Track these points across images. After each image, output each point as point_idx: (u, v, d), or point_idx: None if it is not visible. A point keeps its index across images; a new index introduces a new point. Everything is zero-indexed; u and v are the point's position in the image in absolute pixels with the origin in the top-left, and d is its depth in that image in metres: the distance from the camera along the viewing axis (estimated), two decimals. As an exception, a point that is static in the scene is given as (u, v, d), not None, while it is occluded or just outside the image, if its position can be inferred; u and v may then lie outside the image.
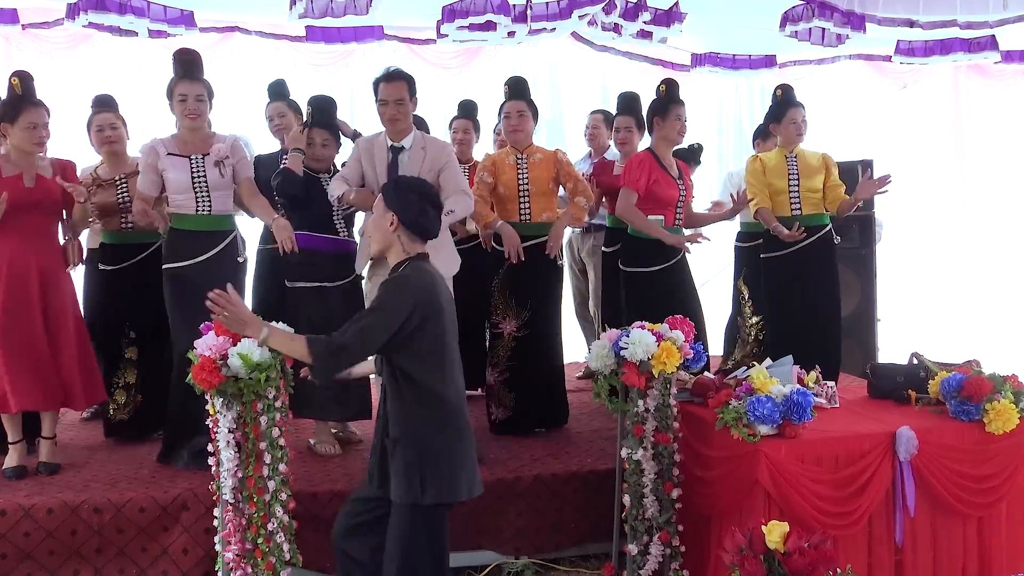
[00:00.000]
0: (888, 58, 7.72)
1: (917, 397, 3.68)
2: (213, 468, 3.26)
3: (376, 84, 4.07)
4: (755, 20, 6.81)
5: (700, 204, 5.75)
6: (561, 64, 7.97)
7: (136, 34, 6.03)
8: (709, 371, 4.02)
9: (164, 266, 4.10)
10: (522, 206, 4.58)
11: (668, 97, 4.63)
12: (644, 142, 5.10)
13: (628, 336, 3.38)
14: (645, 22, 6.15)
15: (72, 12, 5.67)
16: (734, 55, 7.83)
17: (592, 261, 5.79)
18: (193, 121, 4.05)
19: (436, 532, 2.84)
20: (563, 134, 7.65)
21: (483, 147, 5.68)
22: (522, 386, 4.59)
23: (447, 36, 6.24)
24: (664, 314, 3.59)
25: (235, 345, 3.07)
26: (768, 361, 3.71)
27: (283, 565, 3.20)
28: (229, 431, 3.17)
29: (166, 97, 4.09)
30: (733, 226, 5.79)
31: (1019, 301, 8.71)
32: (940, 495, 3.30)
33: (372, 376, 3.43)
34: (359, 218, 4.50)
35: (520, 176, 4.56)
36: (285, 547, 3.22)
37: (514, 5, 5.77)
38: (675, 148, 4.86)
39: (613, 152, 5.58)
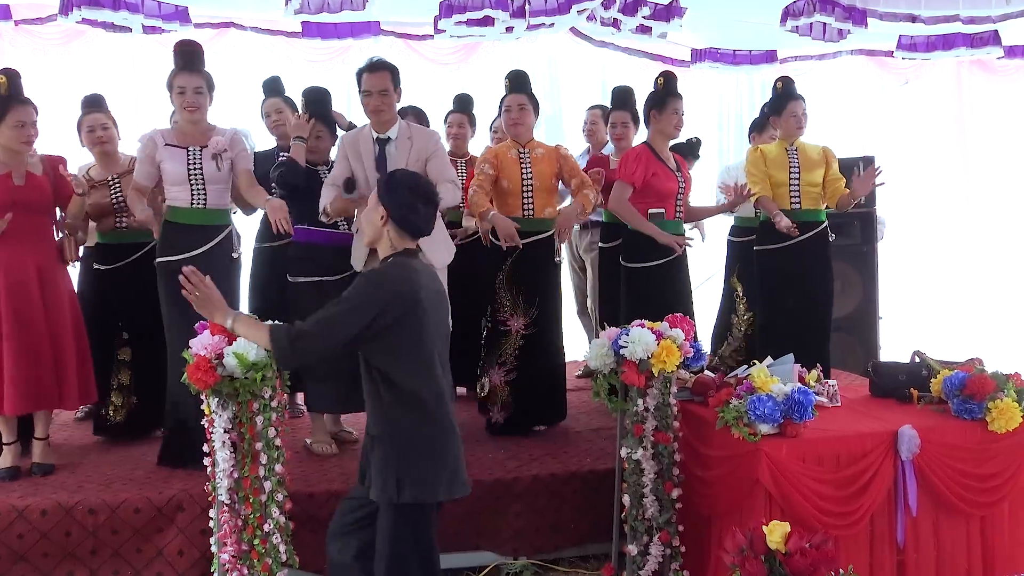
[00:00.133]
0: (890, 53, 7.72)
1: (919, 396, 3.68)
2: (208, 469, 3.26)
3: (359, 75, 4.07)
4: (755, 15, 6.82)
5: (700, 199, 5.75)
6: (560, 60, 7.98)
7: (130, 30, 6.04)
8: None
9: (157, 260, 4.09)
10: (525, 201, 4.57)
11: (666, 90, 4.63)
12: (640, 137, 5.09)
13: (627, 335, 3.37)
14: (644, 17, 6.15)
15: (65, 8, 5.66)
16: (734, 50, 7.83)
17: (589, 257, 5.79)
18: (192, 114, 4.04)
19: (421, 532, 2.80)
20: (562, 130, 7.65)
21: (479, 143, 5.67)
22: (526, 385, 4.58)
23: (444, 32, 6.24)
24: (662, 309, 3.59)
25: (231, 344, 3.06)
26: (769, 360, 3.71)
27: (279, 566, 3.20)
28: (225, 431, 3.17)
29: (166, 89, 4.09)
30: (728, 222, 5.78)
31: (1022, 298, 8.71)
32: (942, 494, 3.30)
33: None
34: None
35: (523, 171, 4.55)
36: (281, 548, 3.22)
37: (512, 0, 5.77)
38: (673, 143, 4.86)
39: (611, 148, 5.58)
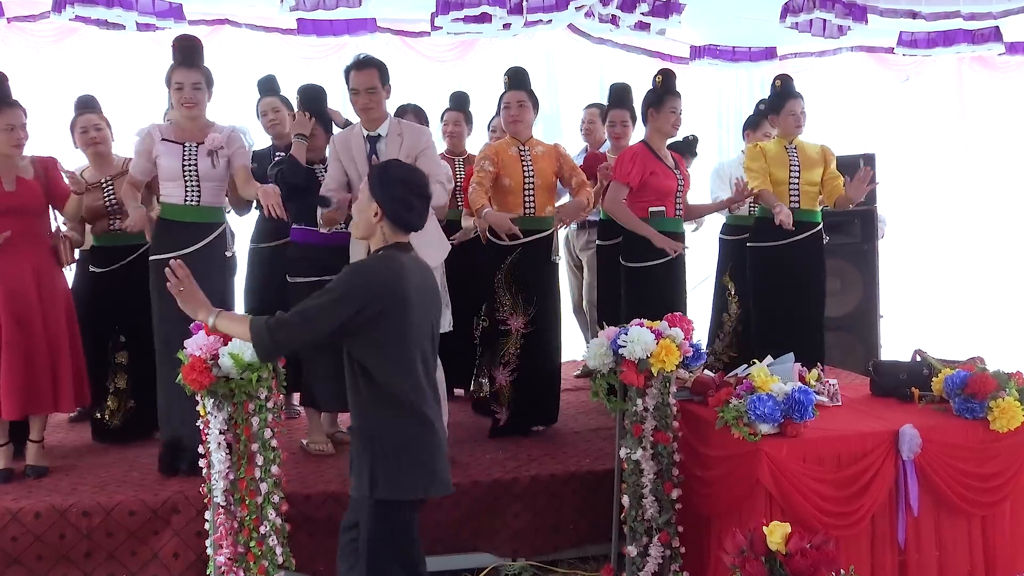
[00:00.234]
0: (890, 50, 7.71)
1: (920, 395, 3.68)
2: (204, 470, 3.26)
3: (347, 73, 4.05)
4: (755, 11, 6.81)
5: (697, 197, 5.74)
6: (558, 57, 7.96)
7: (124, 27, 6.02)
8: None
9: (150, 257, 4.08)
10: (527, 199, 4.56)
11: (664, 89, 4.62)
12: (638, 134, 5.09)
13: (626, 334, 3.37)
14: (643, 13, 6.14)
15: (58, 5, 5.65)
16: (733, 47, 7.82)
17: (586, 256, 5.79)
18: (189, 110, 4.02)
19: (399, 530, 2.77)
20: (560, 128, 7.63)
21: (475, 141, 5.66)
22: (527, 385, 4.59)
23: (441, 28, 6.23)
24: (662, 309, 3.59)
25: (226, 345, 3.07)
26: (769, 359, 3.72)
27: (276, 569, 3.21)
28: (220, 432, 3.18)
29: (165, 85, 4.08)
30: (720, 220, 5.78)
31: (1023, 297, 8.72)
32: (944, 494, 3.31)
33: None
34: None
35: (525, 168, 4.55)
36: (278, 550, 3.22)
37: (509, -4, 5.77)
38: (669, 141, 4.85)
39: (608, 146, 5.57)
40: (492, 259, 4.59)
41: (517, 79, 4.64)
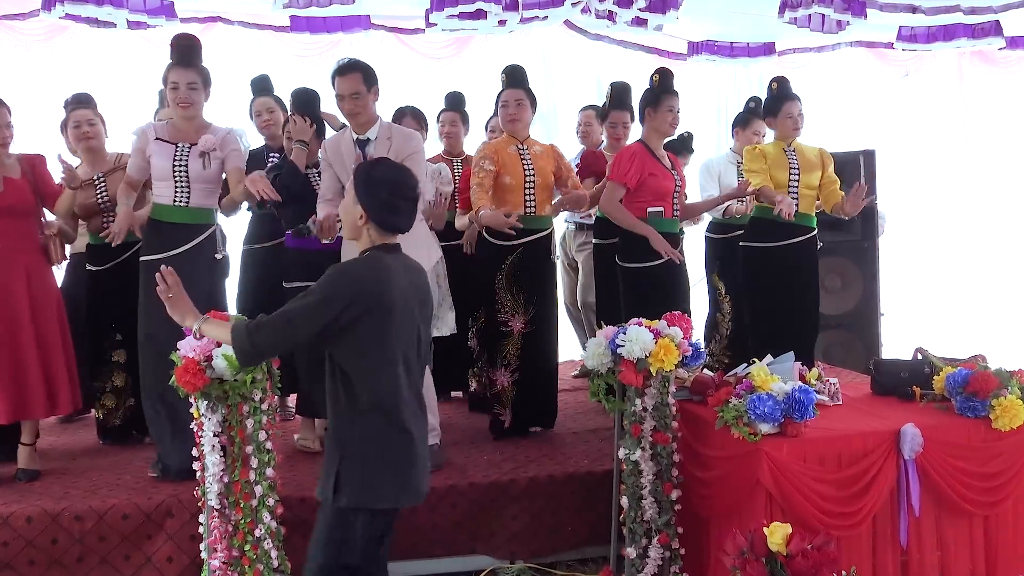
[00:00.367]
0: (890, 45, 7.73)
1: (922, 393, 3.68)
2: (198, 473, 3.26)
3: (332, 78, 4.02)
4: (753, 6, 6.81)
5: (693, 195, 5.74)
6: (554, 54, 7.96)
7: (114, 25, 6.01)
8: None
9: (140, 257, 4.08)
10: (528, 198, 4.56)
11: (661, 88, 4.61)
12: (635, 132, 5.09)
13: (625, 333, 3.37)
14: (640, 9, 6.15)
15: (48, 3, 5.64)
16: (732, 43, 7.83)
17: (581, 257, 5.79)
18: (185, 110, 4.01)
19: (355, 538, 2.69)
20: (556, 126, 7.63)
21: (472, 140, 5.65)
22: (527, 386, 4.59)
23: (436, 25, 6.24)
24: (661, 310, 3.59)
25: (219, 346, 3.06)
26: (769, 358, 3.72)
27: (271, 572, 3.20)
28: (214, 435, 3.17)
29: (162, 84, 4.07)
30: (706, 217, 5.77)
31: (1025, 294, 8.74)
32: (946, 494, 3.31)
33: None
34: None
35: (525, 167, 4.54)
36: (273, 554, 3.22)
37: (505, -8, 5.77)
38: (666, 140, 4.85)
39: (605, 146, 5.57)
40: (492, 260, 4.57)
41: (515, 77, 4.64)
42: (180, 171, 4.00)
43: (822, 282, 5.43)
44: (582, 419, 4.97)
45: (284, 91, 4.85)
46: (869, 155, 6.07)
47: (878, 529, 3.29)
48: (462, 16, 5.96)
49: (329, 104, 4.37)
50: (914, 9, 6.55)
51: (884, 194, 6.12)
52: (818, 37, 7.32)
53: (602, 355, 3.42)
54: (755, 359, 3.54)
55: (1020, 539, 3.49)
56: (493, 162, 4.49)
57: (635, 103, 5.05)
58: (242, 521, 3.19)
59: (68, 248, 4.48)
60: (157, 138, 4.04)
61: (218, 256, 4.12)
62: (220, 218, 4.39)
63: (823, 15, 6.36)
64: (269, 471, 3.24)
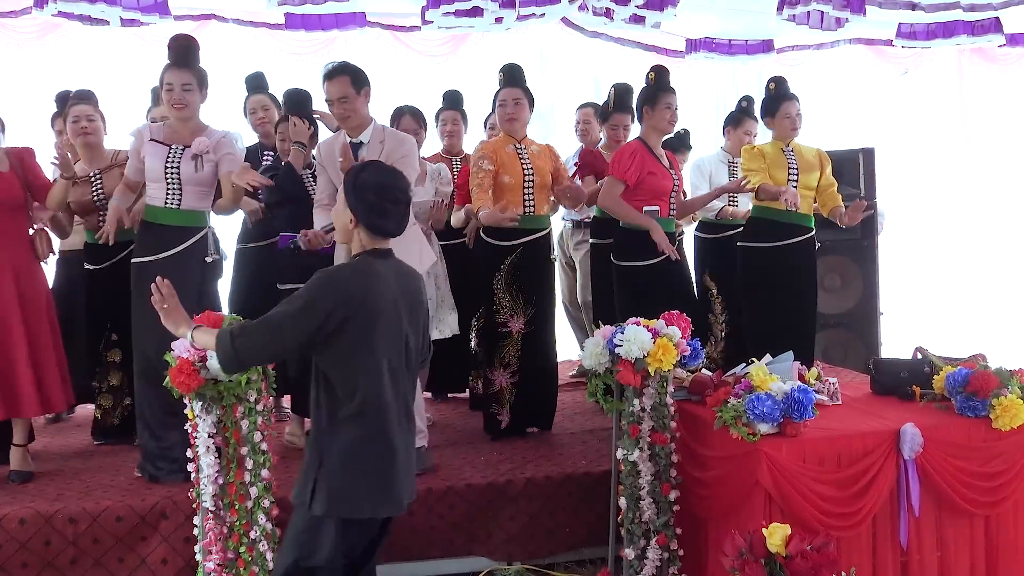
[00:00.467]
0: (889, 42, 7.73)
1: (922, 393, 3.69)
2: (192, 475, 3.26)
3: (322, 83, 4.01)
4: (752, 3, 6.82)
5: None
6: (551, 51, 7.96)
7: (108, 23, 6.00)
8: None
9: (132, 259, 4.07)
10: (527, 198, 4.55)
11: (658, 85, 4.61)
12: (635, 134, 5.08)
13: (623, 333, 3.37)
14: (637, 6, 6.15)
15: (40, 1, 5.63)
16: (730, 40, 7.83)
17: (578, 256, 5.79)
18: (179, 111, 4.00)
19: (323, 545, 2.65)
20: (553, 125, 7.63)
21: (470, 138, 5.65)
22: (526, 386, 4.59)
23: (432, 23, 6.23)
24: (659, 310, 3.59)
25: (214, 347, 3.06)
26: (768, 357, 3.72)
27: (266, 574, 3.20)
28: (209, 436, 3.17)
29: (159, 83, 4.06)
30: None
31: (1026, 292, 8.75)
32: (946, 494, 3.31)
33: None
34: None
35: (524, 166, 4.54)
36: (268, 556, 3.22)
37: (501, -11, 5.77)
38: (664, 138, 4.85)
39: (602, 144, 5.57)
40: (491, 260, 4.57)
41: (512, 76, 4.64)
42: (172, 173, 3.99)
43: (821, 281, 5.44)
44: (580, 419, 4.97)
45: (279, 90, 4.85)
46: (868, 153, 6.07)
47: (878, 529, 3.29)
48: (458, 13, 5.96)
49: (322, 104, 4.36)
50: (914, 6, 6.56)
51: (883, 192, 6.12)
52: (817, 34, 7.32)
53: (600, 355, 3.42)
54: (754, 359, 3.55)
55: (1021, 539, 3.49)
56: (492, 161, 4.48)
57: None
58: (237, 523, 3.18)
59: (57, 243, 4.45)
60: (152, 139, 4.03)
61: (208, 259, 4.09)
62: (215, 218, 4.38)
63: (822, 12, 6.37)
64: (264, 472, 3.24)
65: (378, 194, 2.69)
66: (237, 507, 3.18)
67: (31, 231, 4.20)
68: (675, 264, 4.60)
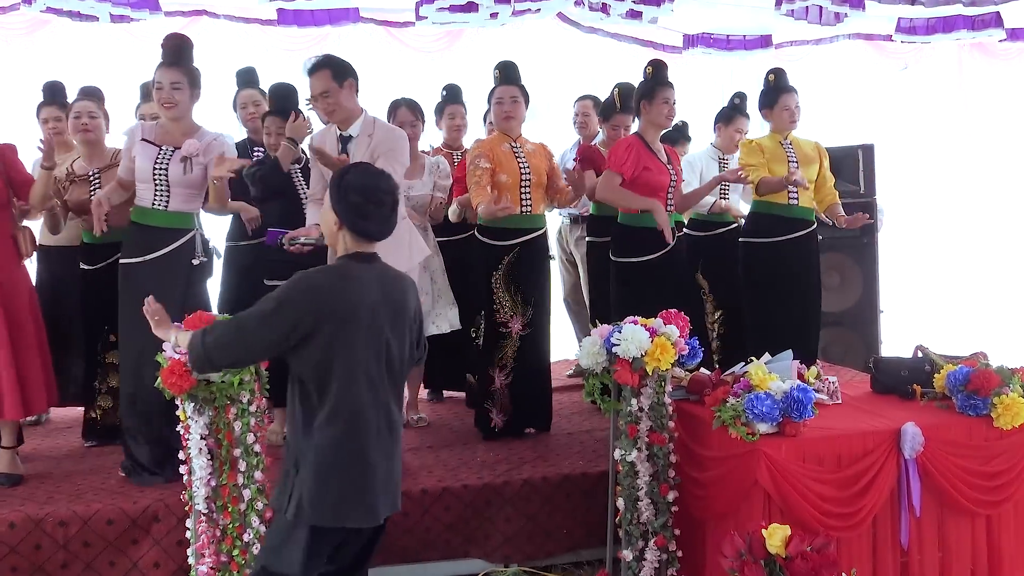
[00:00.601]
0: (889, 37, 7.75)
1: (922, 392, 3.69)
2: (185, 477, 3.25)
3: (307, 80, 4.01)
4: (749, -2, 6.84)
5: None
6: (547, 47, 7.96)
7: (97, 19, 6.00)
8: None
9: (120, 260, 4.06)
10: (524, 197, 4.54)
11: (655, 80, 4.61)
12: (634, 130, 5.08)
13: (620, 332, 3.37)
14: (634, 1, 6.16)
15: (29, -4, 5.64)
16: (728, 36, 7.84)
17: (579, 252, 5.79)
18: (169, 110, 3.98)
19: (296, 551, 2.61)
20: (549, 122, 7.63)
21: (469, 135, 5.64)
22: (523, 387, 4.58)
23: (427, 18, 6.24)
24: (656, 308, 3.59)
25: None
26: (767, 356, 3.72)
27: (260, 578, 3.19)
28: (201, 438, 3.16)
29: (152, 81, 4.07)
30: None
31: (1027, 290, 8.77)
32: (947, 493, 3.32)
33: None
34: None
35: (521, 165, 4.54)
36: (262, 559, 3.21)
37: (497, -15, 5.77)
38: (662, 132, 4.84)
39: (601, 138, 5.56)
40: (488, 260, 4.55)
41: (509, 73, 4.62)
42: (160, 174, 3.97)
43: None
44: (577, 419, 4.97)
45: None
46: (868, 149, 6.08)
47: (878, 529, 3.30)
48: (453, 9, 5.97)
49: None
50: (913, 1, 6.56)
51: (883, 189, 6.12)
52: (816, 29, 7.34)
53: (597, 354, 3.42)
54: (753, 358, 3.55)
55: (1022, 539, 3.50)
56: (488, 159, 4.47)
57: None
58: (230, 525, 3.18)
59: (39, 237, 4.43)
60: (143, 139, 4.02)
61: (195, 262, 4.07)
62: (205, 217, 4.37)
63: (820, 7, 6.38)
64: (257, 474, 3.23)
65: (362, 196, 2.65)
66: (230, 510, 3.18)
67: (16, 228, 4.17)
68: (674, 260, 4.60)
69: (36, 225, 4.53)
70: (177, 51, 3.98)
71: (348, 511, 2.61)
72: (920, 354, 3.88)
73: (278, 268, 4.27)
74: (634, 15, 6.40)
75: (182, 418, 3.21)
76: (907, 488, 3.28)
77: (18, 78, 6.56)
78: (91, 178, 4.54)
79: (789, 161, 4.87)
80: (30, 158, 4.27)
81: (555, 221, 5.93)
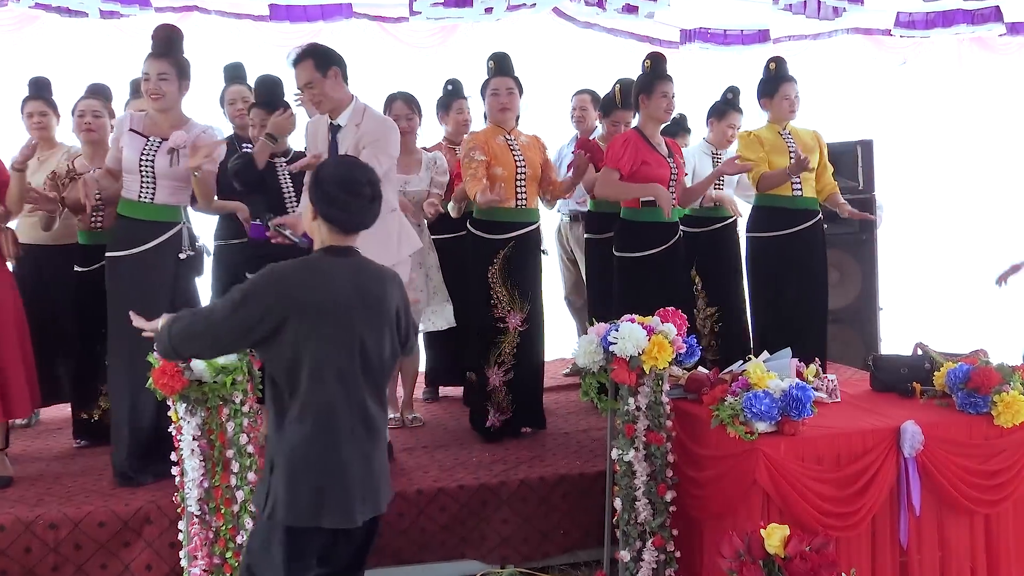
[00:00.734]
0: (887, 31, 7.76)
1: (922, 390, 3.70)
2: (177, 479, 3.25)
3: None
4: (747, -8, 6.84)
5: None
6: (542, 42, 7.95)
7: (87, 15, 5.99)
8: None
9: (106, 253, 4.06)
10: (519, 191, 4.54)
11: (654, 73, 4.61)
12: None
13: (617, 330, 3.37)
14: (631, -5, 6.16)
15: (17, -8, 5.62)
16: (725, 30, 7.84)
17: (580, 250, 5.78)
18: (155, 101, 3.98)
19: (274, 552, 2.58)
20: (544, 118, 7.62)
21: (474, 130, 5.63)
22: (521, 385, 4.58)
23: (420, 13, 6.24)
24: (659, 302, 3.59)
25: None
26: (765, 354, 3.73)
27: (253, 580, 3.19)
28: (193, 439, 3.16)
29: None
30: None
31: (1027, 287, 8.77)
32: (947, 492, 3.33)
33: None
34: None
35: (516, 158, 4.53)
36: (255, 561, 3.20)
37: (491, -22, 5.77)
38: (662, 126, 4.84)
39: (599, 133, 5.56)
40: (483, 255, 4.54)
41: (503, 65, 4.61)
42: (147, 166, 3.97)
43: (821, 276, 5.43)
44: (573, 419, 4.97)
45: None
46: (867, 145, 6.08)
47: (877, 529, 3.31)
48: (447, 3, 5.97)
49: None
50: (912, -6, 6.59)
51: (882, 185, 6.12)
52: (814, 24, 7.34)
53: (594, 353, 3.42)
54: (751, 356, 3.56)
55: (1022, 538, 3.51)
56: (483, 152, 4.46)
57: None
58: (223, 527, 3.18)
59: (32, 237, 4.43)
60: (131, 129, 4.01)
61: (182, 256, 4.07)
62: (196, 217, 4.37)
63: (819, 1, 6.39)
64: (251, 475, 3.23)
65: (338, 187, 2.61)
66: (223, 511, 3.18)
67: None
68: (676, 255, 4.60)
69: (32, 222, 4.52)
70: (166, 42, 3.97)
71: (321, 511, 2.55)
72: (920, 352, 3.89)
73: (257, 263, 4.25)
74: (630, 10, 6.41)
75: (174, 419, 3.21)
76: (906, 487, 3.28)
77: (6, 75, 6.53)
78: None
79: (790, 152, 4.87)
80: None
81: (554, 219, 5.93)
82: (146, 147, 3.97)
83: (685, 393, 3.62)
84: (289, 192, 4.39)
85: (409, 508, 3.83)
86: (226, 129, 5.03)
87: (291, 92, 4.48)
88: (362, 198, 2.63)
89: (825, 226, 5.10)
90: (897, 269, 7.40)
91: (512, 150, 4.53)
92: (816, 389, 3.57)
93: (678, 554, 3.45)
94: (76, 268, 4.61)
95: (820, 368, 3.83)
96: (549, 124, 6.99)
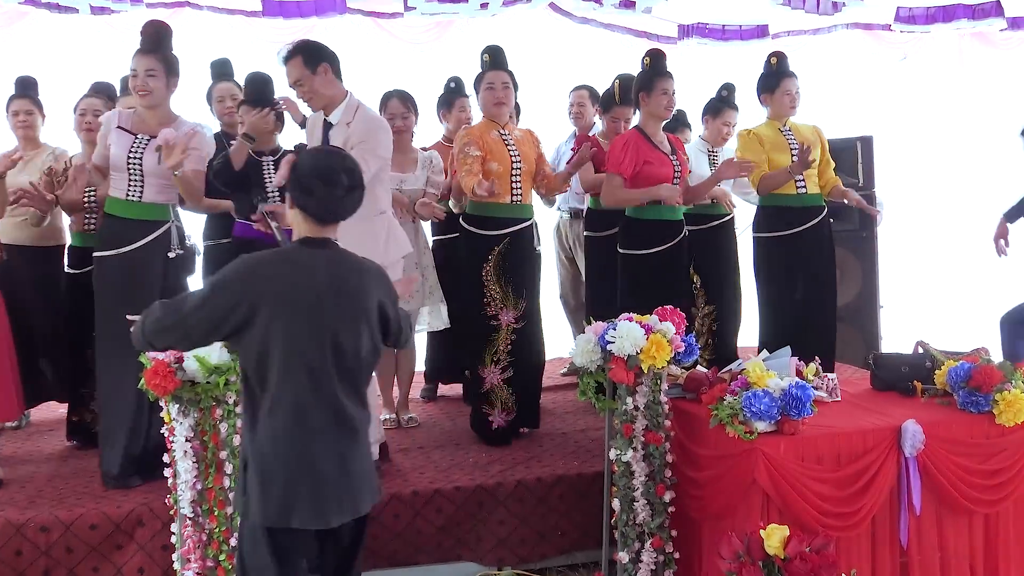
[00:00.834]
0: (887, 26, 7.76)
1: (923, 388, 3.70)
2: (169, 480, 3.24)
3: None
4: (746, -13, 6.84)
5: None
6: (538, 38, 7.94)
7: (77, 11, 5.98)
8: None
9: (94, 253, 4.05)
10: (514, 186, 4.53)
11: (653, 70, 4.60)
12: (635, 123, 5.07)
13: (615, 329, 3.37)
14: (628, -10, 6.16)
15: (6, -12, 5.61)
16: (723, 25, 7.84)
17: (580, 249, 5.78)
18: (143, 98, 3.97)
19: (260, 554, 2.56)
20: (541, 115, 7.62)
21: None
22: (521, 384, 4.57)
23: (415, 9, 6.23)
24: (661, 300, 3.59)
25: (190, 347, 3.04)
26: (765, 353, 3.73)
27: (247, 583, 3.19)
28: (186, 440, 3.16)
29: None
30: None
31: (1029, 284, 8.79)
32: (947, 492, 3.33)
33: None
34: None
35: (511, 153, 4.53)
36: (249, 564, 3.20)
37: (487, -26, 5.76)
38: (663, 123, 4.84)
39: (598, 129, 5.55)
40: (478, 251, 4.54)
41: (498, 58, 4.60)
42: (134, 163, 3.95)
43: (820, 274, 5.43)
44: (571, 419, 4.97)
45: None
46: (867, 141, 6.08)
47: (878, 529, 3.31)
48: (442, -1, 5.96)
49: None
50: (912, -11, 6.59)
51: (882, 182, 6.13)
52: (813, 19, 7.34)
53: (591, 352, 3.42)
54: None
55: (1022, 538, 3.51)
56: (478, 147, 4.45)
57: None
58: (216, 530, 3.17)
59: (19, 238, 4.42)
60: (119, 126, 4.00)
61: (172, 255, 4.06)
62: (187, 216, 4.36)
63: (818, -4, 6.39)
64: (244, 477, 3.22)
65: (313, 175, 2.57)
66: (216, 513, 3.17)
67: None
68: (680, 253, 4.60)
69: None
70: (154, 38, 3.96)
71: (291, 512, 2.50)
72: (921, 350, 3.89)
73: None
74: (628, 5, 6.41)
75: (166, 420, 3.20)
76: (907, 487, 3.29)
77: (-5, 71, 6.52)
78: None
79: (791, 148, 4.86)
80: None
81: (553, 217, 5.93)
82: (134, 145, 3.95)
83: (684, 392, 3.62)
84: (274, 191, 4.38)
85: (405, 510, 3.83)
86: (214, 127, 5.02)
87: (282, 90, 4.47)
88: (338, 187, 2.57)
89: (831, 220, 5.11)
90: (898, 266, 7.40)
91: (507, 145, 4.52)
92: (816, 388, 3.56)
93: (677, 555, 3.45)
94: (68, 270, 4.60)
95: (828, 370, 3.82)
96: (546, 121, 7.00)
